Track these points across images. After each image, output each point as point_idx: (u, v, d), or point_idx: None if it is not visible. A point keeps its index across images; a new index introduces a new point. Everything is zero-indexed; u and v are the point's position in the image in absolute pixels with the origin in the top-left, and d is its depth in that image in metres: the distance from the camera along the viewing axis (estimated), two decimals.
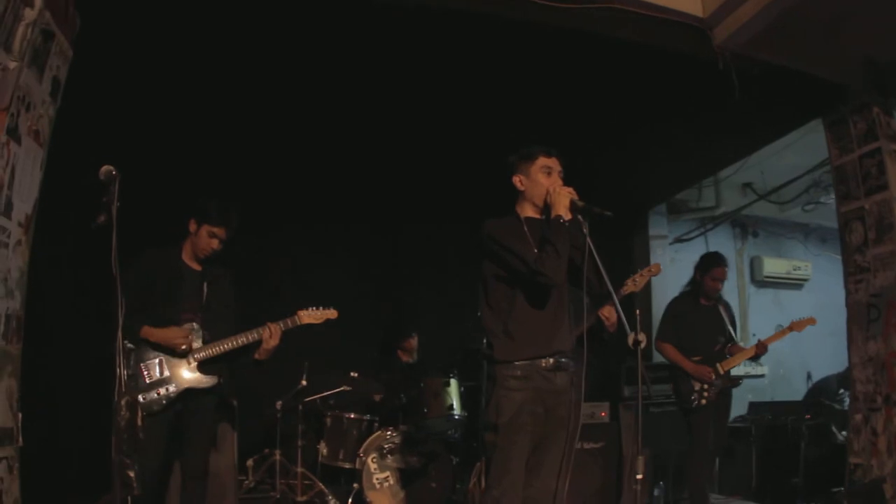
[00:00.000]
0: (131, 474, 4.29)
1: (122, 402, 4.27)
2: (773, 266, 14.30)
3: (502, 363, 4.97)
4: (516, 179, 5.32)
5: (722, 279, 8.28)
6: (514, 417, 4.87)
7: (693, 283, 8.50)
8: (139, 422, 4.49)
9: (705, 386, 7.90)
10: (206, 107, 7.98)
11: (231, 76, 7.53)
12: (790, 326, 8.01)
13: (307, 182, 9.82)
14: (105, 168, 4.52)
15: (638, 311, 5.13)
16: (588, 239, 4.92)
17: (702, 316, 8.30)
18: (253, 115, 8.29)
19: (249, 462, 8.69)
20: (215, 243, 6.21)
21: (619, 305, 5.19)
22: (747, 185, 12.52)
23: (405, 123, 8.78)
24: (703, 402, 7.90)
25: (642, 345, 4.76)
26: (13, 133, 4.87)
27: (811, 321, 7.98)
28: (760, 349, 8.01)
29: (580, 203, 4.98)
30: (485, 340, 5.14)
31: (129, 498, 4.33)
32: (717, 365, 7.95)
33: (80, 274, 7.36)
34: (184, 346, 5.94)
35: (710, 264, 8.30)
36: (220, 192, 6.53)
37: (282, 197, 9.83)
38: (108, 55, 6.53)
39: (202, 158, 8.76)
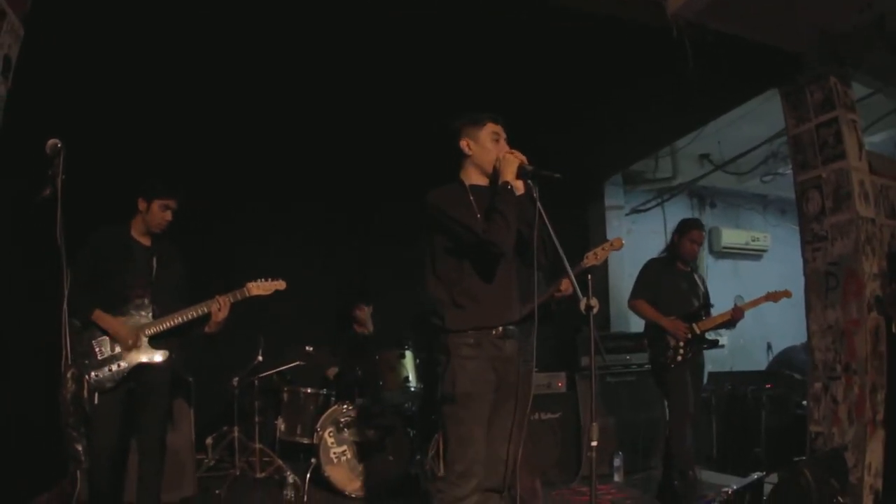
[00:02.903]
0: (79, 447, 4.27)
1: (68, 375, 4.23)
2: (732, 237, 14.40)
3: (455, 332, 4.90)
4: (464, 143, 5.23)
5: (699, 242, 8.21)
6: (472, 386, 4.80)
7: (670, 246, 8.40)
8: (86, 394, 4.45)
9: (681, 343, 7.81)
10: (158, 83, 7.90)
11: (184, 51, 7.43)
12: (766, 296, 7.98)
13: (263, 156, 9.77)
14: (51, 142, 4.50)
15: (590, 277, 5.09)
16: (538, 204, 4.87)
17: (678, 279, 8.22)
18: (209, 90, 8.22)
19: (208, 440, 8.70)
20: (169, 215, 6.28)
21: (570, 270, 5.14)
22: (704, 155, 12.52)
23: (360, 98, 8.71)
24: (679, 358, 7.79)
25: (594, 310, 4.71)
26: None
27: (787, 294, 7.98)
28: (737, 313, 7.90)
29: (529, 167, 4.94)
30: (435, 312, 5.03)
31: (78, 472, 4.29)
32: (694, 325, 7.85)
33: (30, 249, 7.27)
34: (129, 343, 5.98)
35: (688, 226, 8.20)
36: (171, 167, 6.51)
37: (237, 171, 9.78)
38: (56, 30, 6.44)
39: (153, 133, 8.66)
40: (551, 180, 4.85)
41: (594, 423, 4.63)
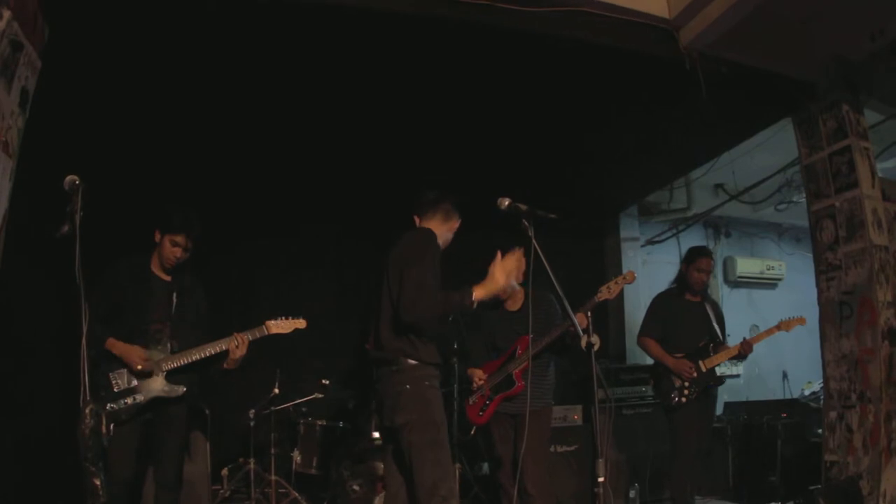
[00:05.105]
0: (97, 482, 4.27)
1: (87, 410, 4.24)
2: (747, 266, 14.34)
3: (427, 364, 5.19)
4: (454, 223, 5.81)
5: (707, 270, 8.19)
6: (443, 413, 5.13)
7: (679, 277, 8.44)
8: (104, 429, 4.45)
9: (686, 383, 7.80)
10: (177, 115, 7.91)
11: (201, 86, 7.49)
12: (778, 326, 7.92)
13: (279, 191, 9.80)
14: (69, 178, 4.51)
15: (590, 314, 5.19)
16: (534, 242, 4.98)
17: (686, 312, 8.21)
18: (223, 123, 8.25)
19: (224, 471, 8.68)
20: (178, 251, 6.25)
21: (570, 310, 5.23)
22: (719, 185, 12.53)
23: (374, 130, 8.75)
24: (684, 399, 7.78)
25: (595, 347, 4.81)
26: None
27: (801, 321, 7.92)
28: (745, 348, 7.82)
29: (523, 206, 5.06)
30: (392, 339, 5.24)
31: None
32: (700, 362, 7.84)
33: (49, 283, 7.31)
34: (139, 368, 5.94)
35: (694, 255, 8.22)
36: (191, 201, 6.54)
37: (254, 205, 9.82)
38: (76, 65, 6.51)
39: (174, 167, 8.72)
40: (546, 219, 4.94)
41: (600, 459, 4.69)
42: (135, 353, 5.94)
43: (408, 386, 5.06)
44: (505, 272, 5.11)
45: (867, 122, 7.82)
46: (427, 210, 5.69)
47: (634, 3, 6.85)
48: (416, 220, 5.77)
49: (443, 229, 5.59)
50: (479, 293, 5.03)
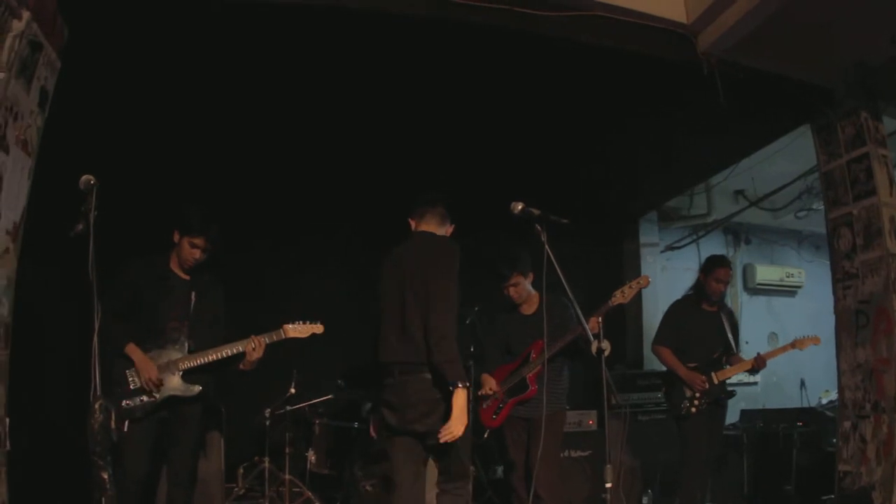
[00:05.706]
0: (104, 475, 4.30)
1: (96, 405, 4.27)
2: (766, 273, 14.27)
3: None
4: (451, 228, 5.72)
5: (725, 280, 8.15)
6: None
7: (696, 285, 8.40)
8: (115, 424, 4.48)
9: (697, 394, 7.79)
10: (197, 116, 7.97)
11: (217, 87, 7.54)
12: (793, 343, 7.91)
13: (296, 191, 9.83)
14: (84, 177, 4.57)
15: (601, 320, 5.20)
16: (547, 247, 4.99)
17: (702, 321, 8.19)
18: (241, 125, 8.31)
19: (239, 469, 8.70)
20: (197, 253, 6.29)
21: (580, 313, 5.23)
22: (739, 192, 12.50)
23: (393, 131, 8.80)
24: (694, 410, 7.78)
25: (606, 353, 4.81)
26: (1, 142, 4.87)
27: (815, 340, 7.92)
28: (759, 363, 7.84)
29: (536, 211, 5.07)
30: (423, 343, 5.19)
31: (103, 498, 4.32)
32: (713, 374, 7.83)
33: (67, 281, 7.34)
34: (149, 383, 5.96)
35: (713, 265, 8.17)
36: (206, 201, 6.55)
37: (271, 207, 9.85)
38: (96, 65, 6.56)
39: (192, 168, 8.76)
40: (559, 225, 4.96)
41: (608, 465, 4.70)
42: (148, 370, 5.97)
43: (442, 393, 5.06)
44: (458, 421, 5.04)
45: (886, 129, 7.79)
46: (425, 213, 5.67)
47: (652, 8, 6.88)
48: (413, 223, 5.75)
49: (440, 232, 5.59)
50: (458, 393, 4.94)
